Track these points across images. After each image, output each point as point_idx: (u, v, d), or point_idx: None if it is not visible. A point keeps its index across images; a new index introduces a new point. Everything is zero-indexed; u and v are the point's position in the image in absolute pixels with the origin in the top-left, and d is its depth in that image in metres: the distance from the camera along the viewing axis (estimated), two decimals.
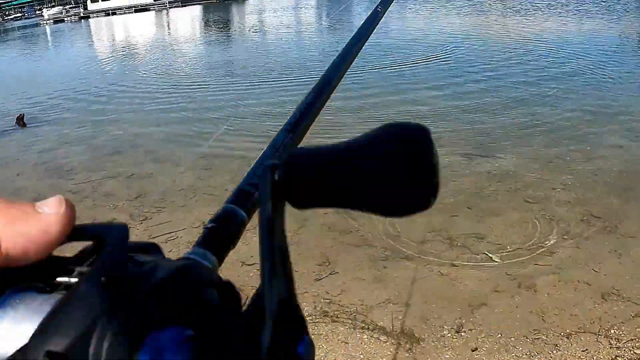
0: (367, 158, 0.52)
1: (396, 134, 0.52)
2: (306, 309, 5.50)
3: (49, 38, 51.66)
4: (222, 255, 0.66)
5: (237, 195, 0.79)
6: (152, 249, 0.55)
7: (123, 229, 0.50)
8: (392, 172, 0.51)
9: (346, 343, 4.98)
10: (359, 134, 0.53)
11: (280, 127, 0.97)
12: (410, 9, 35.84)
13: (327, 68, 1.24)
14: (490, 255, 6.17)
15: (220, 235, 0.69)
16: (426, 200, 0.54)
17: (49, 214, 0.49)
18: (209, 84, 18.13)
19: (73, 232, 0.50)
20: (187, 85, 18.33)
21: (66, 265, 0.49)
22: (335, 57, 1.31)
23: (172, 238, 7.22)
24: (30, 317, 0.44)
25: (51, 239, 0.48)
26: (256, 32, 35.58)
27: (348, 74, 1.27)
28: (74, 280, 0.48)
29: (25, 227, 0.47)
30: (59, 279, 0.49)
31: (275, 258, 0.52)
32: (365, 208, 0.52)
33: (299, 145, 0.57)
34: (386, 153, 0.51)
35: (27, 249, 0.47)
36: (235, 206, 0.76)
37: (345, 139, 0.54)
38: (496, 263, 6.03)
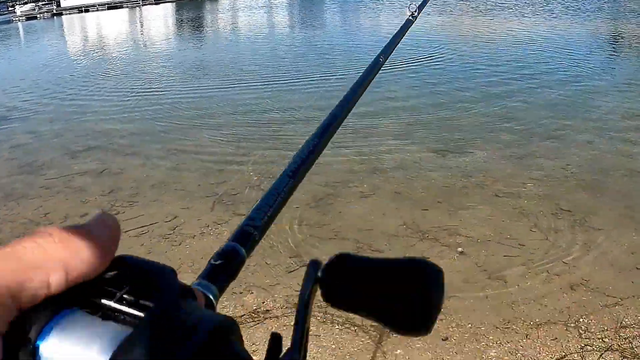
0: (396, 285, 0.62)
1: (422, 273, 0.65)
2: (278, 300, 5.54)
3: (21, 35, 51.21)
4: (223, 288, 0.76)
5: (239, 234, 0.87)
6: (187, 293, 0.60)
7: (173, 273, 0.55)
8: (412, 304, 0.62)
9: (317, 336, 4.99)
10: (394, 256, 0.65)
11: (282, 171, 1.03)
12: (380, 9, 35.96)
13: (327, 114, 1.32)
14: (460, 249, 6.22)
15: (223, 271, 0.78)
16: (428, 328, 0.63)
17: (101, 236, 0.51)
18: (178, 81, 18.09)
19: (121, 262, 0.53)
20: (158, 82, 18.29)
21: (102, 286, 0.51)
22: (336, 104, 1.39)
23: (144, 232, 7.20)
24: (90, 339, 0.47)
25: (105, 260, 0.51)
26: (228, 30, 35.45)
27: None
28: (131, 311, 0.51)
29: (83, 251, 0.48)
30: (103, 301, 0.51)
31: (305, 331, 0.63)
32: (383, 322, 0.63)
33: (341, 252, 0.64)
34: (410, 286, 0.62)
35: (83, 271, 0.49)
36: (237, 244, 0.84)
37: (379, 258, 0.65)
38: (466, 255, 6.07)
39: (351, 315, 0.65)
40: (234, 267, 0.80)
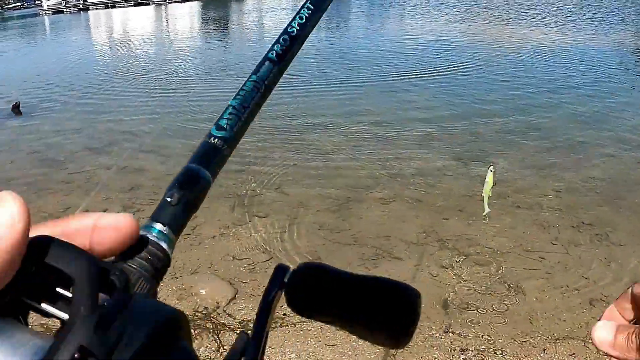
0: (368, 302, 0.63)
1: (397, 292, 0.64)
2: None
3: (47, 29, 51.49)
4: (182, 228, 0.63)
5: (203, 151, 0.70)
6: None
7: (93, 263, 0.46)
8: (383, 320, 0.62)
9: (334, 345, 4.99)
10: (364, 274, 0.65)
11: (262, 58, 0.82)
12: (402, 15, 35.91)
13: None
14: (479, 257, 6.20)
15: (182, 206, 0.62)
16: (400, 344, 0.64)
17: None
18: (203, 81, 18.15)
19: (36, 248, 0.46)
20: (181, 81, 18.36)
21: (20, 285, 0.45)
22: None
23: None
24: (12, 350, 0.42)
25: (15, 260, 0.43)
26: (253, 31, 35.51)
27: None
28: (55, 311, 0.46)
29: None
30: (26, 302, 0.47)
31: (265, 334, 0.62)
32: (349, 331, 0.64)
33: (308, 261, 0.64)
34: (383, 303, 0.63)
35: None
36: (200, 166, 0.68)
37: (350, 272, 0.65)
38: (485, 265, 6.05)
39: None
40: (195, 197, 0.64)
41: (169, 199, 0.62)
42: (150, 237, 0.57)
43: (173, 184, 0.64)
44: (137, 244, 0.55)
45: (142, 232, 0.56)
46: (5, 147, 11.94)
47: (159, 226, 0.59)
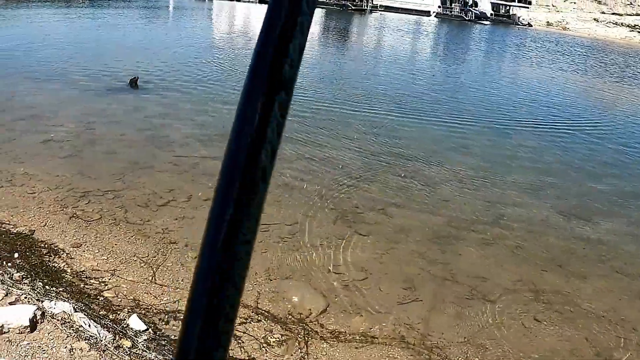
0: None
1: None
2: (385, 329, 5.59)
3: (171, 11, 52.59)
4: None
5: None
6: None
7: None
8: None
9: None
10: None
11: None
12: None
13: None
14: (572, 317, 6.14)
15: None
16: None
17: None
18: (314, 89, 18.31)
19: None
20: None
21: None
22: None
23: (264, 230, 7.33)
24: None
25: None
26: (371, 48, 35.49)
27: None
28: None
29: None
30: None
31: None
32: None
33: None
34: None
35: None
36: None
37: None
38: (576, 326, 5.99)
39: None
40: None
41: None
42: None
43: None
44: None
45: None
46: (117, 119, 12.31)
47: None
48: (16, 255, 6.03)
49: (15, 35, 23.72)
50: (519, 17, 78.20)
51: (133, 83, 15.39)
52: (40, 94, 13.69)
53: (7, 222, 6.94)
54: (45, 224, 7.12)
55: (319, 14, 64.64)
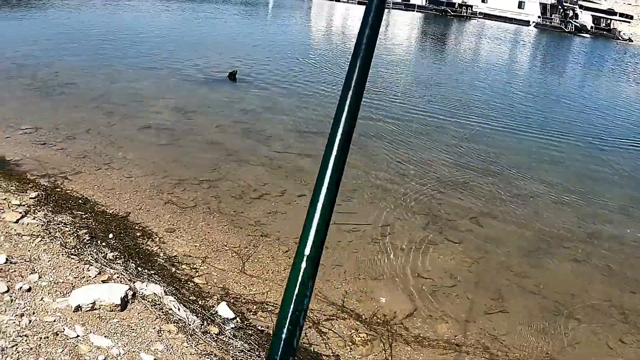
0: None
1: None
2: (470, 338, 5.57)
3: (270, 8, 53.24)
4: None
5: None
6: None
7: None
8: None
9: None
10: None
11: None
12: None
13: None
14: None
15: None
16: None
17: None
18: (409, 95, 18.27)
19: None
20: (389, 90, 18.58)
21: None
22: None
23: (355, 230, 7.39)
24: None
25: None
26: (469, 56, 35.02)
27: None
28: None
29: None
30: None
31: None
32: None
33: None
34: None
35: None
36: None
37: None
38: None
39: None
40: None
41: None
42: None
43: None
44: None
45: None
46: (215, 110, 12.62)
47: None
48: (111, 235, 6.27)
49: (120, 25, 24.48)
50: (619, 32, 76.03)
51: (232, 76, 15.79)
52: (141, 81, 14.16)
53: (103, 204, 7.20)
54: (141, 207, 7.38)
55: (417, 18, 64.45)
